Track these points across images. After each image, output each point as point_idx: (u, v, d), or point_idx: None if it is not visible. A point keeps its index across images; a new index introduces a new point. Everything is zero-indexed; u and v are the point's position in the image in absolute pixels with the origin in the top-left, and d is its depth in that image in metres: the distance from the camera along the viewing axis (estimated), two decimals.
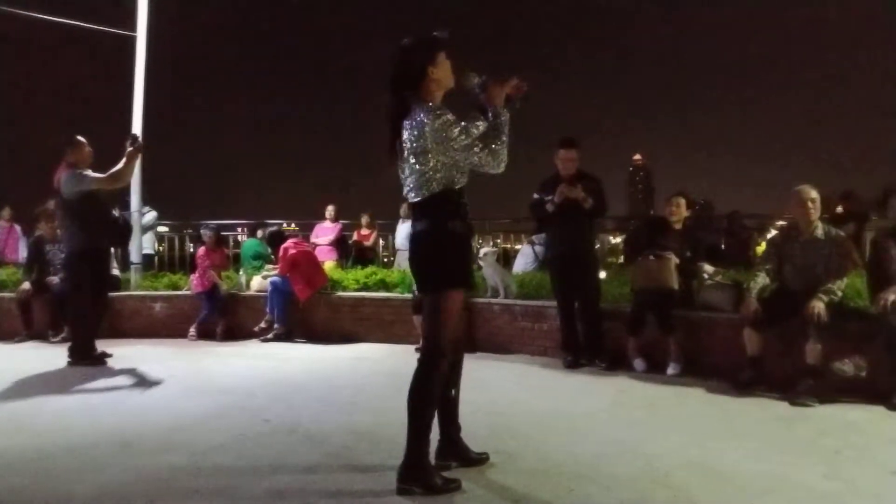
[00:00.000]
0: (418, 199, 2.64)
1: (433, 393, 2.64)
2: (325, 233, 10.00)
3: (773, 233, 7.81)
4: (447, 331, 2.63)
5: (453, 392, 2.86)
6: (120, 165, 5.57)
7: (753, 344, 4.43)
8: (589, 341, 5.32)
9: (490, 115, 2.65)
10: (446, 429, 2.86)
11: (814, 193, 4.44)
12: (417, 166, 2.60)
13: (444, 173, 2.59)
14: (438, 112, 2.56)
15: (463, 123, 2.57)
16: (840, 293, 4.27)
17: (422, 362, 2.64)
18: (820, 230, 4.43)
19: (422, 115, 2.56)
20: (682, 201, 5.51)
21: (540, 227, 5.68)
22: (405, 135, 2.62)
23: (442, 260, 2.63)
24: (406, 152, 2.63)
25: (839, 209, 8.25)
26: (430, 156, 2.57)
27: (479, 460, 2.91)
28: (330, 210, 10.26)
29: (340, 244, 10.19)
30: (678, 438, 3.37)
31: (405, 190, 2.71)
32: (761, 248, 8.64)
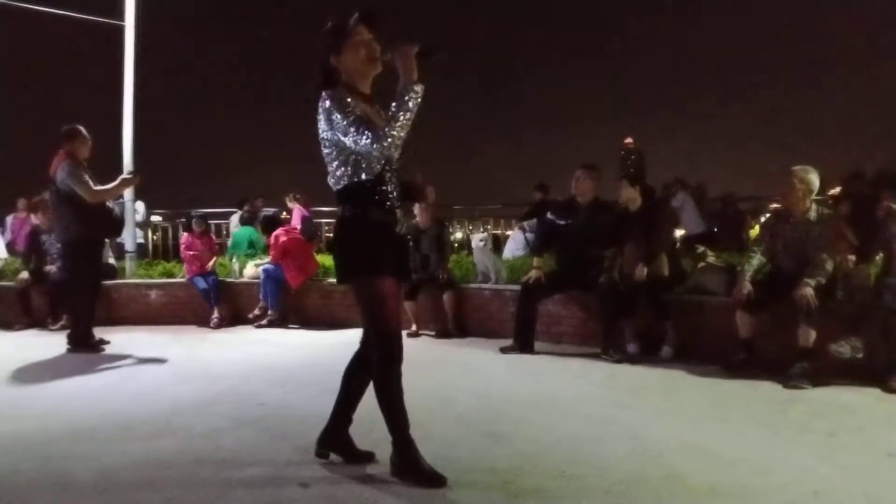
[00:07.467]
0: (337, 187, 2.60)
1: (395, 381, 2.59)
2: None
3: (767, 216, 7.83)
4: (383, 319, 2.56)
5: (354, 384, 2.80)
6: (110, 186, 5.66)
7: (746, 326, 4.46)
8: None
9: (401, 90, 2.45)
10: (337, 418, 2.80)
11: (804, 175, 4.42)
12: (327, 156, 2.58)
13: (352, 165, 2.52)
14: (330, 95, 2.50)
15: (352, 106, 2.46)
16: (827, 274, 4.27)
17: (379, 360, 2.58)
18: (813, 212, 4.44)
19: (322, 99, 2.52)
20: (625, 183, 5.35)
21: (546, 241, 5.70)
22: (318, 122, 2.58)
23: (358, 248, 2.57)
24: (321, 139, 2.60)
25: (835, 190, 8.25)
26: (330, 144, 2.53)
27: (365, 456, 2.79)
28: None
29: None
30: (670, 420, 3.39)
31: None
32: (755, 231, 8.68)
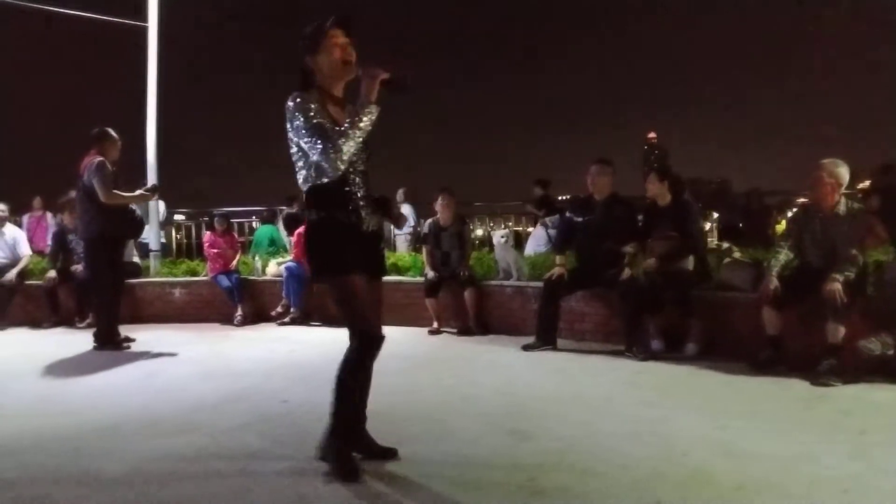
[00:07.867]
0: (303, 188, 2.65)
1: (361, 373, 2.66)
2: None
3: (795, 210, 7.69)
4: (355, 314, 2.61)
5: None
6: (128, 195, 5.74)
7: (772, 323, 4.38)
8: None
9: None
10: (353, 420, 2.81)
11: (833, 168, 4.31)
12: (293, 156, 2.62)
13: (315, 167, 2.55)
14: (297, 97, 2.54)
15: (313, 112, 2.50)
16: (855, 269, 4.16)
17: (353, 349, 2.63)
18: (842, 206, 4.33)
19: (288, 100, 2.56)
20: (653, 176, 5.34)
21: (567, 238, 5.65)
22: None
23: (324, 250, 2.62)
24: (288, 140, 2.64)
25: (865, 184, 8.12)
26: (294, 145, 2.58)
27: (386, 453, 2.80)
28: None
29: None
30: (696, 418, 3.34)
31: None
32: (781, 226, 8.54)
